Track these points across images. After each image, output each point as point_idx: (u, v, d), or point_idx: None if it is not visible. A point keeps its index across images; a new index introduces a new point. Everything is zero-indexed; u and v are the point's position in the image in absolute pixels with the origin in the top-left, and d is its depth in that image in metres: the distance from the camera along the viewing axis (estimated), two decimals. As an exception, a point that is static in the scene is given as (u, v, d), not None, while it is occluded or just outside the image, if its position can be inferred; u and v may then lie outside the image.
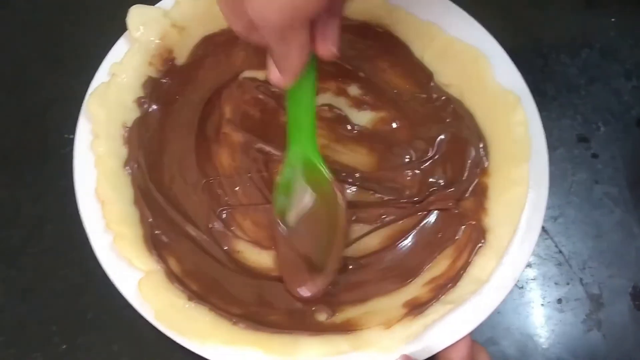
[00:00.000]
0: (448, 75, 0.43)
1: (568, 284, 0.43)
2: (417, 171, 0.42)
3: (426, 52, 0.43)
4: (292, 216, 0.39)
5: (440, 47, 0.43)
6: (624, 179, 0.45)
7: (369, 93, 0.44)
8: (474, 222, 0.39)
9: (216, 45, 0.44)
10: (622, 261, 0.43)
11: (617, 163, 0.45)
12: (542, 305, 0.42)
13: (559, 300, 0.42)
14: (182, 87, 0.43)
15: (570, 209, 0.44)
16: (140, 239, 0.38)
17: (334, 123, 0.43)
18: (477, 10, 0.43)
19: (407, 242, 0.40)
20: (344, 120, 0.43)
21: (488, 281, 0.38)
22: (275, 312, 0.38)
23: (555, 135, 0.45)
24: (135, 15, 0.42)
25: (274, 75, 0.32)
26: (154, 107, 0.42)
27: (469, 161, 0.41)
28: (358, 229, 0.41)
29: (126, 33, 0.42)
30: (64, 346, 0.40)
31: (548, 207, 0.39)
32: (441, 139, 0.42)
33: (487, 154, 0.41)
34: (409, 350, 0.36)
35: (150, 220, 0.39)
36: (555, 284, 0.43)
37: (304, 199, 0.39)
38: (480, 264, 0.38)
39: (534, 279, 0.43)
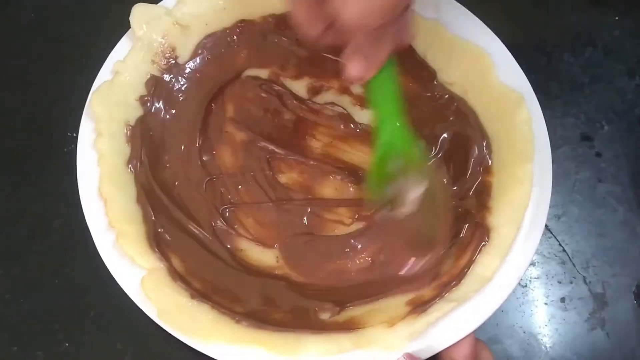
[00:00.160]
0: (451, 74, 0.43)
1: (571, 282, 0.42)
2: (421, 169, 0.42)
3: (429, 51, 0.43)
4: (399, 202, 0.38)
5: (444, 46, 0.43)
6: (627, 178, 0.45)
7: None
8: (477, 221, 0.39)
9: (219, 44, 0.44)
10: (626, 260, 0.43)
11: (620, 161, 0.45)
12: (546, 303, 0.42)
13: (563, 299, 0.42)
14: (184, 86, 0.43)
15: (574, 207, 0.44)
16: (143, 237, 0.38)
17: (337, 121, 0.43)
18: (481, 9, 0.43)
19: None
20: (347, 118, 0.43)
21: (491, 279, 0.37)
22: (278, 310, 0.38)
23: (558, 134, 0.45)
24: (139, 13, 0.42)
25: (356, 70, 0.32)
26: (157, 105, 0.42)
27: (473, 159, 0.41)
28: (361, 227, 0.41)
29: (129, 31, 0.42)
30: (67, 344, 0.40)
31: (551, 206, 0.39)
32: (444, 138, 0.42)
33: (490, 152, 0.41)
34: (412, 348, 0.36)
35: (153, 218, 0.39)
36: (559, 282, 0.42)
37: (407, 183, 0.38)
38: (484, 263, 0.38)
39: (537, 278, 0.42)
